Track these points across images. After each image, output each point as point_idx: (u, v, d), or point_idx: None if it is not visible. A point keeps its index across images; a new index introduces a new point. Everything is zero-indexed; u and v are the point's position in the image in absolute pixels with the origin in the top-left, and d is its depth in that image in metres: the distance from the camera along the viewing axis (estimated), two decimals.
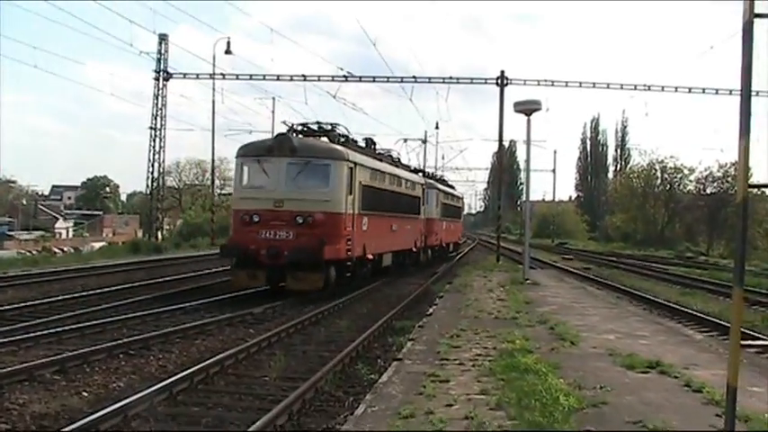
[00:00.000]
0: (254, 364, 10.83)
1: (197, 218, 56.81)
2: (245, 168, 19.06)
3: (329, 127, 20.65)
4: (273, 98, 52.51)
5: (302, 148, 18.44)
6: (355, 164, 19.52)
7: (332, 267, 18.15)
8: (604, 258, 45.37)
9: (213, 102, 43.04)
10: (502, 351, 10.00)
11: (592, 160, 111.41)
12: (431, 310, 15.31)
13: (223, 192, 75.01)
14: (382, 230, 22.89)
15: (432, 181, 35.09)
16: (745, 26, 2.69)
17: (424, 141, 58.21)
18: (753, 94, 2.91)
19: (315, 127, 20.49)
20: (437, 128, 60.44)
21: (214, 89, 43.05)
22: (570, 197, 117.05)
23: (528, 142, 23.77)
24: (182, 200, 74.21)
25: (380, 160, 24.09)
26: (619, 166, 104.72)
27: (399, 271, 26.18)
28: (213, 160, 50.01)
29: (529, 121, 22.85)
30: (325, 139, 20.08)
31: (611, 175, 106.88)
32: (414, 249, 28.64)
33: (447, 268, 31.64)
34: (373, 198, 21.43)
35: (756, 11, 2.68)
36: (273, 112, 53.89)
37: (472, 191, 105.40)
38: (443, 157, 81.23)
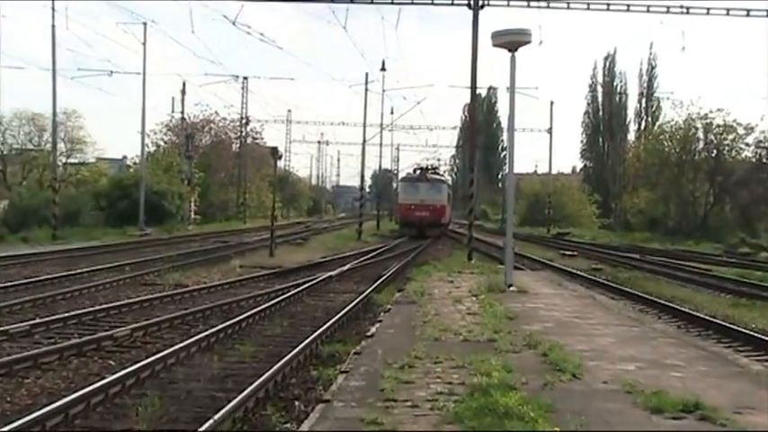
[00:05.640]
0: (115, 411, 10.78)
1: (31, 198, 55.75)
2: (406, 185, 67.58)
3: (438, 168, 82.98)
4: (145, 23, 52.15)
5: (431, 178, 67.27)
6: (447, 185, 73.79)
7: (443, 226, 66.81)
8: (622, 255, 45.94)
9: (53, 28, 42.32)
10: (473, 387, 10.00)
11: (605, 116, 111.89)
12: (373, 330, 15.30)
13: (72, 160, 73.81)
14: (449, 212, 76.18)
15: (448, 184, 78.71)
16: None
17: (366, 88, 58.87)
18: None
19: (429, 167, 75.68)
20: (383, 69, 60.56)
21: (54, 9, 42.33)
22: (574, 168, 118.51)
23: (512, 90, 23.58)
24: (6, 171, 72.87)
25: (448, 181, 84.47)
26: (643, 123, 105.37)
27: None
28: (55, 114, 49.33)
29: (513, 59, 22.68)
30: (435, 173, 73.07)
31: (631, 136, 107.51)
32: (449, 220, 75.53)
33: (398, 267, 31.90)
34: (449, 198, 72.13)
35: None
36: (145, 44, 53.55)
37: (434, 159, 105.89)
38: (392, 111, 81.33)
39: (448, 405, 9.29)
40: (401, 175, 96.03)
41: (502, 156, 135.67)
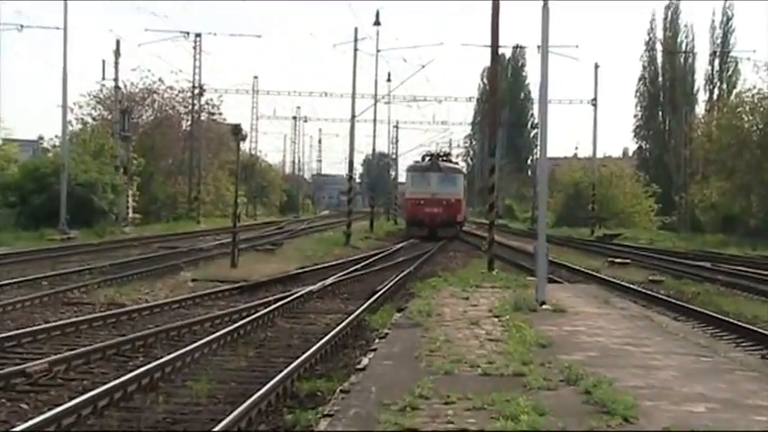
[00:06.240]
0: None
1: None
2: (414, 176, 75.25)
3: (452, 155, 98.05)
4: None
5: (444, 168, 74.45)
6: (463, 175, 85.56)
7: (458, 225, 75.68)
8: (688, 263, 45.99)
9: None
10: None
11: (666, 83, 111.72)
12: (365, 361, 15.35)
13: None
14: (465, 208, 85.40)
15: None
16: None
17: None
18: None
19: (442, 153, 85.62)
20: (377, 23, 60.79)
21: None
22: (625, 151, 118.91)
23: (544, 49, 23.62)
24: None
25: (464, 171, 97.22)
26: (716, 91, 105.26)
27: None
28: None
29: (546, 9, 22.79)
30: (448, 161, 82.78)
31: (701, 108, 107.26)
32: (465, 217, 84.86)
33: (398, 280, 32.29)
34: (465, 190, 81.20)
35: None
36: None
37: (444, 140, 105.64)
38: (389, 78, 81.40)
39: None
40: (401, 160, 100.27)
41: (532, 135, 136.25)
